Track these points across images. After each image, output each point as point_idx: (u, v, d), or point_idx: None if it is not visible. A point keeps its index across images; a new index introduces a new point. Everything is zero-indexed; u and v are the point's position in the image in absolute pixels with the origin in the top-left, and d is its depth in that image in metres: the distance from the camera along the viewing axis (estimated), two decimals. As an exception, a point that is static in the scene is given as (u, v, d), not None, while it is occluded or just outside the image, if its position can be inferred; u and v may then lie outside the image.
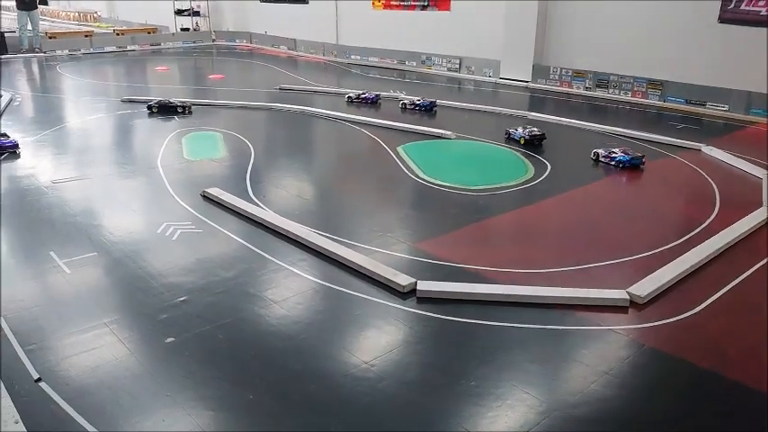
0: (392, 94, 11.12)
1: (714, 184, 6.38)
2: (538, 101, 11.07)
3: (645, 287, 4.04)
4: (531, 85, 12.14)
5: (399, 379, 3.22)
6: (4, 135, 7.53)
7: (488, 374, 3.26)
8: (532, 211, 5.74)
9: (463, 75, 13.51)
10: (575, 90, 11.58)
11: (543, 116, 9.36)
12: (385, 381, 3.20)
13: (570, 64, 11.67)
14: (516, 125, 8.16)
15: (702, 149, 7.63)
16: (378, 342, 3.57)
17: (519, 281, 4.23)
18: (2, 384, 2.98)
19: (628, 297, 3.96)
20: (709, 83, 9.90)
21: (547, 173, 6.68)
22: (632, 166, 6.94)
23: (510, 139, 8.04)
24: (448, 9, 13.68)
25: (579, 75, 11.54)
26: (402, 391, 3.12)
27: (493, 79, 12.81)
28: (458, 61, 13.64)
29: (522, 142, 7.81)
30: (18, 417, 2.65)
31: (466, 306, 3.90)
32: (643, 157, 7.09)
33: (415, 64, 14.50)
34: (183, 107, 9.46)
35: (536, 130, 7.91)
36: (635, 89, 10.83)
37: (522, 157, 7.26)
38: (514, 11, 12.05)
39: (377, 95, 10.44)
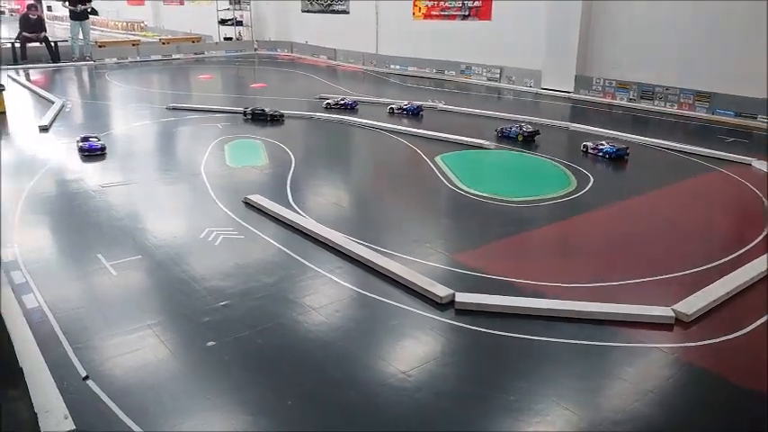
0: (431, 103, 11.15)
1: (765, 200, 6.20)
2: (580, 112, 10.94)
3: (691, 305, 3.94)
4: (573, 95, 12.01)
5: (436, 390, 3.21)
6: (95, 137, 7.90)
7: (528, 389, 3.22)
8: (575, 224, 5.67)
9: (503, 84, 13.45)
10: (618, 101, 11.41)
11: (585, 127, 9.24)
12: (422, 391, 3.19)
13: (614, 75, 11.51)
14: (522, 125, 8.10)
15: (753, 164, 7.42)
16: (415, 352, 3.57)
17: (560, 295, 4.17)
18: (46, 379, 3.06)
19: (673, 314, 3.86)
20: (760, 95, 9.62)
21: (590, 185, 6.59)
22: (618, 157, 7.62)
23: (503, 138, 8.57)
24: (489, 18, 13.65)
25: (623, 86, 11.38)
26: (439, 403, 3.11)
27: (534, 89, 12.71)
28: (498, 71, 13.59)
29: (521, 139, 8.37)
30: (67, 412, 2.73)
31: (505, 319, 3.86)
32: (627, 148, 7.75)
33: (454, 73, 14.49)
34: (274, 115, 9.65)
35: (530, 127, 8.54)
36: (681, 101, 10.61)
37: (564, 169, 7.18)
38: (557, 21, 11.97)
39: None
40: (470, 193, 6.30)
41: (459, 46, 14.31)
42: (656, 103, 10.92)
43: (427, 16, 15.09)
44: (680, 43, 10.48)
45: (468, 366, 3.45)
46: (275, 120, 9.62)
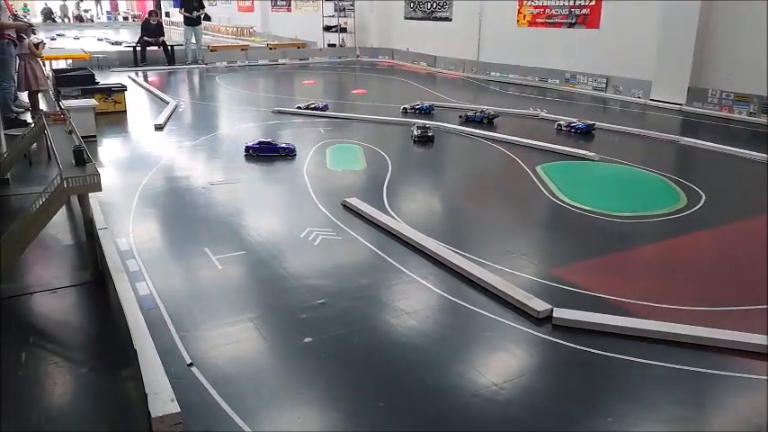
0: (532, 111, 10.94)
1: None
2: (692, 125, 10.38)
3: (812, 336, 3.65)
4: (684, 108, 11.42)
5: (530, 405, 3.14)
6: (277, 142, 8.13)
7: (626, 411, 3.09)
8: (682, 244, 5.37)
9: (609, 94, 12.99)
10: (736, 115, 10.73)
11: (698, 142, 8.76)
12: (514, 405, 3.13)
13: (729, 86, 10.84)
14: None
15: None
16: (508, 365, 3.51)
17: (661, 316, 3.97)
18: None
19: (789, 346, 3.59)
20: None
21: (701, 203, 6.24)
22: (586, 132, 9.16)
23: (468, 121, 9.86)
24: (597, 27, 13.25)
25: (742, 98, 10.68)
26: (531, 418, 3.04)
27: (642, 100, 12.19)
28: (604, 80, 13.14)
29: (486, 122, 9.72)
30: (173, 395, 2.88)
31: (604, 338, 3.72)
32: (594, 124, 9.34)
33: (558, 82, 14.16)
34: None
35: (492, 111, 10.05)
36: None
37: (673, 185, 6.84)
38: (671, 30, 11.43)
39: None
40: (572, 206, 6.13)
41: (565, 54, 13.97)
42: (780, 118, 10.17)
43: (532, 23, 14.84)
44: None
45: (564, 383, 3.36)
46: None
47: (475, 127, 9.54)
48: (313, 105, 11.08)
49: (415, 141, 8.74)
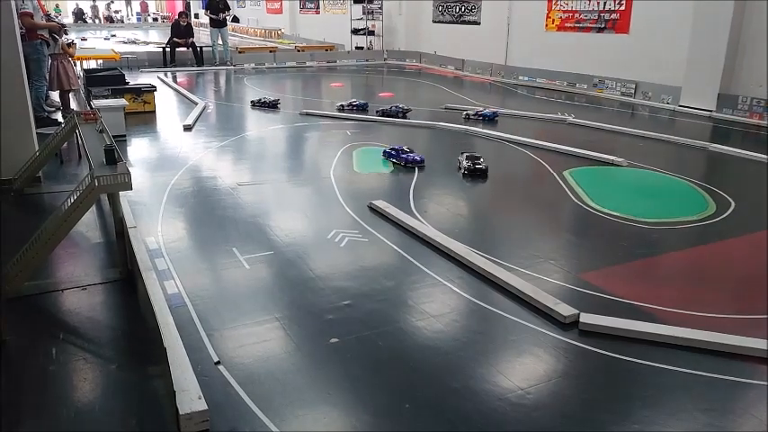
0: (559, 116, 10.87)
1: None
2: (722, 132, 10.22)
3: None
4: (714, 114, 11.24)
5: (556, 411, 3.12)
6: (411, 150, 7.79)
7: (653, 419, 3.05)
8: (711, 251, 5.29)
9: (638, 100, 12.84)
10: (766, 122, 10.52)
11: (727, 149, 8.62)
12: (540, 410, 3.11)
13: (761, 93, 10.64)
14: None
15: None
16: (534, 370, 3.49)
17: (689, 323, 3.91)
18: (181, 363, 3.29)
19: (823, 356, 3.52)
20: None
21: (730, 210, 6.14)
22: (491, 119, 10.31)
23: (383, 115, 10.67)
24: (626, 32, 13.11)
25: (773, 106, 10.49)
26: (558, 424, 3.02)
27: (671, 106, 12.03)
28: (633, 86, 13.00)
29: (401, 116, 10.54)
30: (201, 393, 2.92)
31: (632, 344, 3.68)
32: (497, 111, 10.61)
33: (585, 87, 14.03)
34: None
35: (404, 107, 10.68)
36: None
37: (702, 191, 6.74)
38: (701, 35, 11.26)
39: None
40: (600, 211, 6.07)
41: (593, 59, 13.84)
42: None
43: (561, 28, 14.73)
44: None
45: (591, 389, 3.32)
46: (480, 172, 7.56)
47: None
48: (356, 103, 11.37)
49: (464, 175, 7.30)
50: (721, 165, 8.26)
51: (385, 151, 7.93)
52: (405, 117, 10.57)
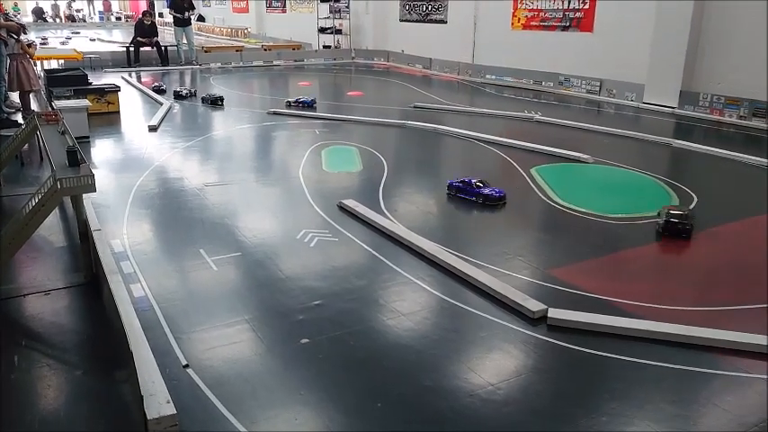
0: (526, 114, 10.98)
1: None
2: (684, 128, 10.44)
3: (806, 336, 3.67)
4: (677, 111, 11.48)
5: (526, 405, 3.15)
6: (485, 183, 6.35)
7: (621, 411, 3.10)
8: (675, 245, 5.39)
9: (603, 97, 13.05)
10: (727, 119, 10.79)
11: (689, 144, 8.81)
12: (511, 406, 3.14)
13: (721, 90, 10.90)
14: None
15: None
16: (504, 366, 3.52)
17: (657, 317, 3.99)
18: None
19: (784, 345, 3.61)
20: None
21: (693, 204, 6.27)
22: (310, 105, 11.26)
23: (204, 102, 11.83)
24: (591, 30, 13.30)
25: (733, 102, 10.74)
26: (527, 418, 3.05)
27: (635, 103, 12.25)
28: (598, 83, 13.20)
29: (219, 103, 11.74)
30: (169, 397, 2.87)
31: (599, 338, 3.74)
32: (314, 99, 11.45)
33: (552, 85, 14.20)
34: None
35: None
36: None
37: (666, 187, 6.87)
38: (663, 34, 11.49)
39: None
40: (567, 208, 6.15)
41: (559, 57, 14.02)
42: (771, 120, 10.24)
43: (526, 27, 14.88)
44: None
45: (559, 383, 3.37)
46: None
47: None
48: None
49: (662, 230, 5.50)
50: (684, 160, 8.44)
51: (452, 184, 6.45)
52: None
